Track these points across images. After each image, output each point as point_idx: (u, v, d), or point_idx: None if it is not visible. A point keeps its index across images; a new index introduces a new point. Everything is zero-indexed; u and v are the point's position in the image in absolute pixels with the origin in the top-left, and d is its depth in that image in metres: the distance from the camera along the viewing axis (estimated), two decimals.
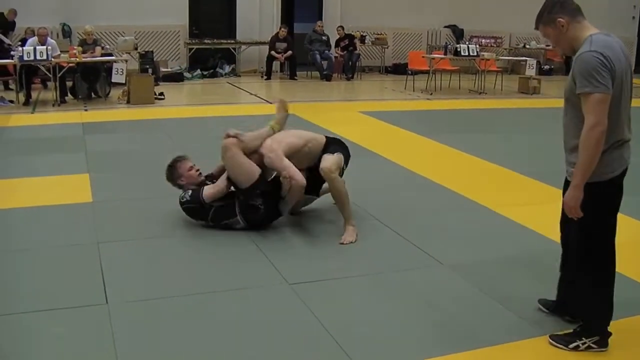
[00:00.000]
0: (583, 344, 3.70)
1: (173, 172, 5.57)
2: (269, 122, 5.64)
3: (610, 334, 3.74)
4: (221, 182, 5.39)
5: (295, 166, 5.32)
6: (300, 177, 5.22)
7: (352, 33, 18.09)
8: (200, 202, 5.36)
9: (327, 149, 5.56)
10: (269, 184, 5.41)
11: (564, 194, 3.63)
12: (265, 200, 5.32)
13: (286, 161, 5.28)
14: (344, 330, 3.84)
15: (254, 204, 5.29)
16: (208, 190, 5.37)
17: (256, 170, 5.28)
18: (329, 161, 5.38)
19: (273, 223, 5.53)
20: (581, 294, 3.79)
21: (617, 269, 4.81)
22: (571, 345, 3.71)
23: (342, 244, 5.27)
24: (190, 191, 5.44)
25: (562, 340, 3.75)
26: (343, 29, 17.94)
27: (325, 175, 5.33)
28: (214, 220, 5.38)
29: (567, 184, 3.63)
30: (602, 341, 3.72)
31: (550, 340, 3.77)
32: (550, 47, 20.41)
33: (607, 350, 3.70)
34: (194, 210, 5.44)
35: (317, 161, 5.45)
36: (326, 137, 5.77)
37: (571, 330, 3.80)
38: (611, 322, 3.84)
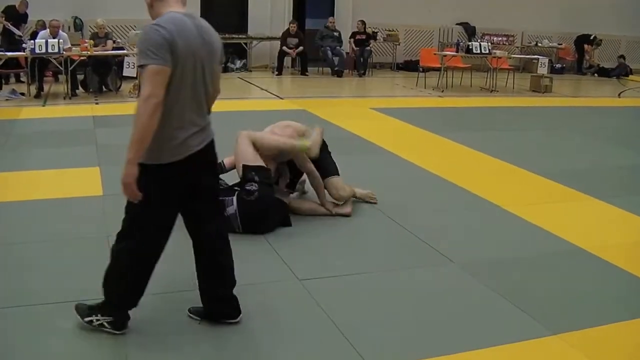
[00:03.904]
0: (97, 320, 3.63)
1: None
2: (303, 139, 5.61)
3: (128, 317, 3.66)
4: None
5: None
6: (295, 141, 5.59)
7: (368, 31, 17.98)
8: (221, 169, 5.50)
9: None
10: (267, 176, 5.41)
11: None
12: (261, 188, 5.28)
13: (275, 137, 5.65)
14: (353, 326, 3.83)
15: (249, 189, 5.27)
16: (229, 157, 5.64)
17: (259, 162, 5.40)
18: (340, 187, 5.81)
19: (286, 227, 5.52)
20: (108, 267, 3.61)
21: (629, 270, 4.83)
22: (86, 319, 3.65)
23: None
24: None
25: (83, 311, 3.67)
26: (364, 24, 17.82)
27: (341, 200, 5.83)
28: None
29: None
30: (117, 323, 3.63)
31: (74, 310, 3.69)
32: (562, 46, 20.49)
33: (123, 334, 3.64)
34: None
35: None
36: None
37: (99, 303, 3.67)
38: (620, 323, 3.84)
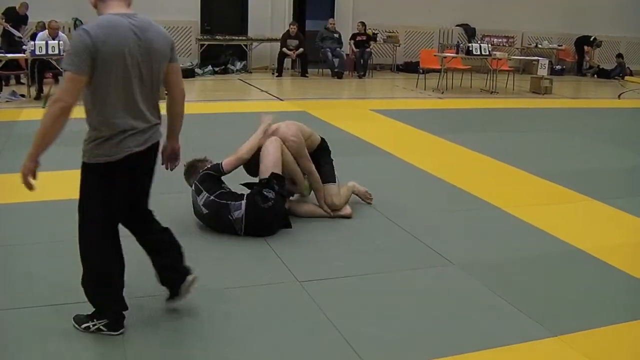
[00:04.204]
0: (93, 325, 3.65)
1: (192, 171, 5.52)
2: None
3: (122, 317, 3.69)
4: (242, 151, 5.46)
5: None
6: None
7: (368, 33, 18.00)
8: (219, 170, 5.38)
9: (320, 154, 5.89)
10: (285, 187, 5.42)
11: None
12: (277, 198, 5.29)
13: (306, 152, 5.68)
14: (352, 328, 3.83)
15: (266, 195, 5.23)
16: (227, 159, 5.44)
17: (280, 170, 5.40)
18: (334, 194, 5.79)
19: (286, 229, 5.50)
20: (82, 274, 3.69)
21: (629, 271, 4.83)
22: (83, 326, 3.67)
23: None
24: (209, 165, 5.49)
25: (80, 320, 3.70)
26: (365, 26, 17.85)
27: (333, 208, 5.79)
28: (219, 197, 5.22)
29: None
30: (112, 325, 3.65)
31: (73, 322, 3.72)
32: (562, 48, 20.52)
33: (121, 334, 3.66)
34: (210, 178, 5.34)
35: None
36: (321, 138, 6.02)
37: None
38: (620, 325, 3.83)
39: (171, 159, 3.97)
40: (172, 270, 3.93)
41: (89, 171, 3.50)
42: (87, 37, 3.24)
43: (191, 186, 5.48)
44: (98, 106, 3.38)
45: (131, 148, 3.46)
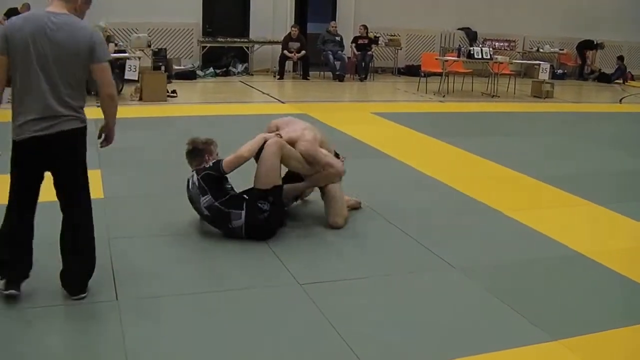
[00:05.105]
0: None
1: (197, 154, 5.42)
2: None
3: (18, 279, 3.99)
4: (242, 150, 5.33)
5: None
6: (340, 165, 5.64)
7: (370, 36, 17.99)
8: (219, 171, 5.23)
9: None
10: (280, 195, 5.37)
11: None
12: (273, 209, 5.25)
13: (322, 150, 5.60)
14: (352, 330, 3.84)
15: (261, 207, 5.20)
16: (228, 158, 5.27)
17: (278, 180, 5.35)
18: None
19: (282, 227, 5.50)
20: None
21: (629, 276, 4.83)
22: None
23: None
24: (212, 163, 5.33)
25: None
26: (366, 29, 17.86)
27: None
28: (224, 205, 5.15)
29: None
30: (9, 284, 3.98)
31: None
32: (564, 52, 20.48)
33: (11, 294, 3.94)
34: (213, 179, 5.22)
35: None
36: None
37: None
38: (620, 329, 3.85)
39: (104, 140, 4.33)
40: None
41: (12, 147, 3.89)
42: (8, 24, 3.78)
43: (192, 168, 5.39)
44: (13, 88, 3.79)
45: (31, 132, 3.78)
